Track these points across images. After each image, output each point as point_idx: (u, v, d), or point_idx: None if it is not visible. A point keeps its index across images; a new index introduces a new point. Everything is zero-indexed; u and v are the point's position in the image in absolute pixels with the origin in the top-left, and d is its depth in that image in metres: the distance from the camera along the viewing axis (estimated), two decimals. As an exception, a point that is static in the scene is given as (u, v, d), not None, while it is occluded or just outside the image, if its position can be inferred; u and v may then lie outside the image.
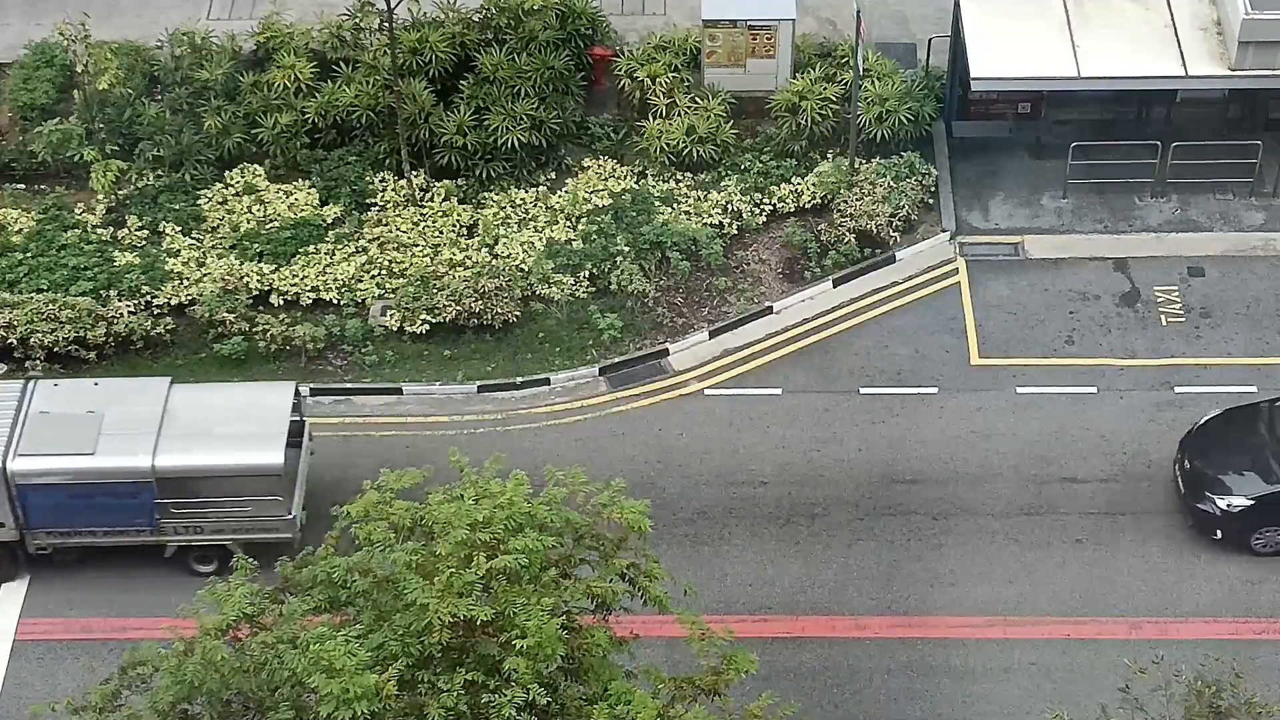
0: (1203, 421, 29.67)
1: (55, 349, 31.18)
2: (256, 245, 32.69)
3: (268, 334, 31.48)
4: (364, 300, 32.23)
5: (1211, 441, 29.27)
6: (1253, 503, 28.26)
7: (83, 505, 27.73)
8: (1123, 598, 28.23)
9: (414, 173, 33.55)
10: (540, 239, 32.89)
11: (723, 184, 33.73)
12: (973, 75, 32.29)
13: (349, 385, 31.48)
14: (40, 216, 33.34)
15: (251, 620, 21.07)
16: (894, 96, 33.78)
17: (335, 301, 32.24)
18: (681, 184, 33.83)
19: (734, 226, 33.35)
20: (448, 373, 31.63)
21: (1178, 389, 31.00)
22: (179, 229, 33.11)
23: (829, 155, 34.12)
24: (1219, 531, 28.48)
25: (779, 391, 31.16)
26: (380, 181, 33.80)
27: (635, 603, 21.78)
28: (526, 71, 33.95)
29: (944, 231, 33.62)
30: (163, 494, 27.67)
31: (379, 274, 32.45)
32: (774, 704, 21.30)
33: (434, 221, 33.13)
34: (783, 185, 33.76)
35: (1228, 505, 28.27)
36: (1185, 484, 28.90)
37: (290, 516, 28.02)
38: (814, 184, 33.60)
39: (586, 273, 32.43)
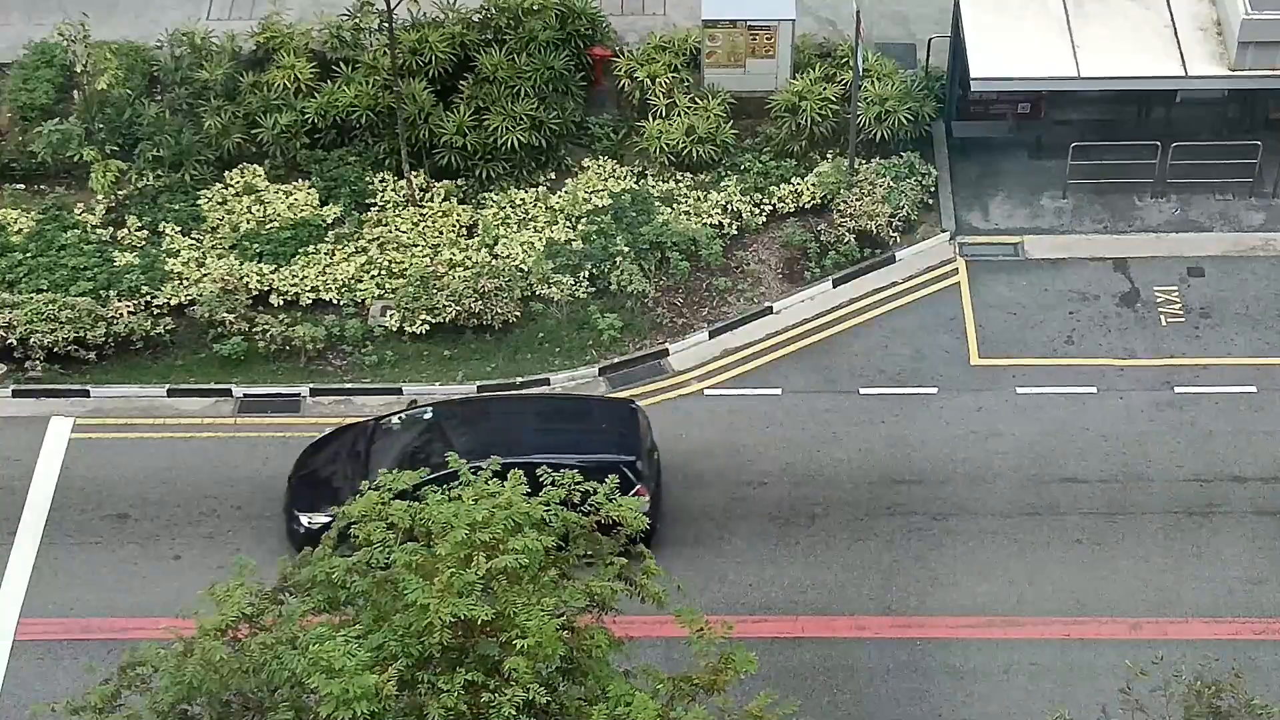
0: (317, 439, 29.72)
1: (55, 349, 31.18)
2: (256, 245, 32.69)
3: (268, 334, 31.48)
4: (364, 300, 32.23)
5: (313, 459, 29.30)
6: (330, 520, 28.08)
7: None
8: (1123, 598, 28.22)
9: (414, 173, 33.55)
10: (540, 239, 32.88)
11: (723, 184, 33.72)
12: (973, 75, 32.27)
13: (349, 385, 31.47)
14: (40, 216, 33.33)
15: (251, 620, 21.06)
16: (894, 96, 33.77)
17: (335, 302, 32.24)
18: (681, 184, 33.82)
19: (734, 226, 33.35)
20: (448, 373, 31.63)
21: (1178, 389, 30.99)
22: (179, 229, 33.10)
23: (829, 155, 34.11)
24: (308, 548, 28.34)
25: (779, 391, 31.13)
26: (380, 181, 33.80)
27: (634, 602, 21.77)
28: (526, 71, 33.94)
29: (944, 231, 33.62)
30: None
31: (379, 274, 32.44)
32: (773, 703, 21.29)
33: (434, 222, 33.12)
34: (782, 185, 33.76)
35: (309, 522, 28.04)
36: (287, 498, 28.74)
37: None
38: (814, 184, 33.59)
39: (586, 273, 32.42)
